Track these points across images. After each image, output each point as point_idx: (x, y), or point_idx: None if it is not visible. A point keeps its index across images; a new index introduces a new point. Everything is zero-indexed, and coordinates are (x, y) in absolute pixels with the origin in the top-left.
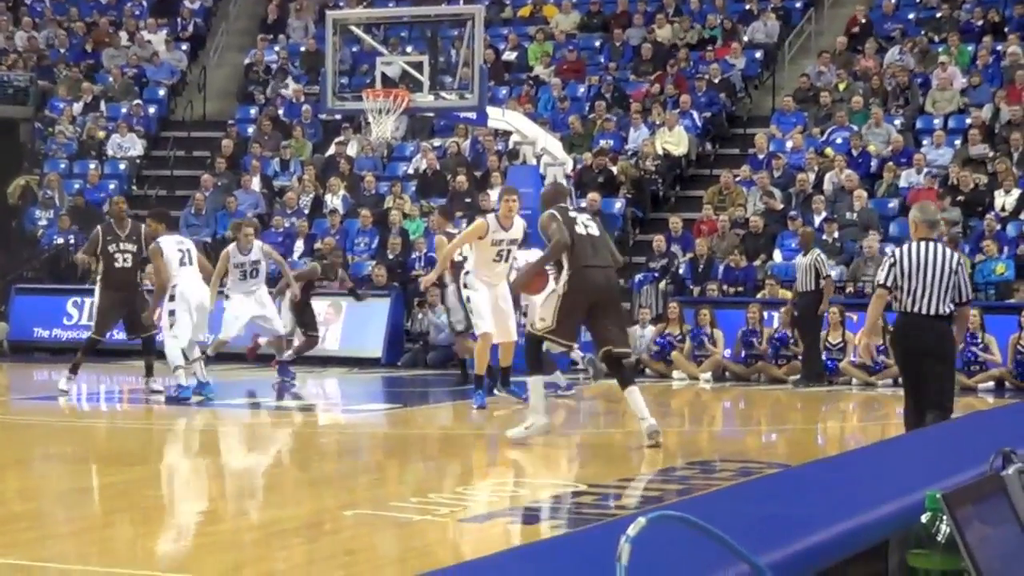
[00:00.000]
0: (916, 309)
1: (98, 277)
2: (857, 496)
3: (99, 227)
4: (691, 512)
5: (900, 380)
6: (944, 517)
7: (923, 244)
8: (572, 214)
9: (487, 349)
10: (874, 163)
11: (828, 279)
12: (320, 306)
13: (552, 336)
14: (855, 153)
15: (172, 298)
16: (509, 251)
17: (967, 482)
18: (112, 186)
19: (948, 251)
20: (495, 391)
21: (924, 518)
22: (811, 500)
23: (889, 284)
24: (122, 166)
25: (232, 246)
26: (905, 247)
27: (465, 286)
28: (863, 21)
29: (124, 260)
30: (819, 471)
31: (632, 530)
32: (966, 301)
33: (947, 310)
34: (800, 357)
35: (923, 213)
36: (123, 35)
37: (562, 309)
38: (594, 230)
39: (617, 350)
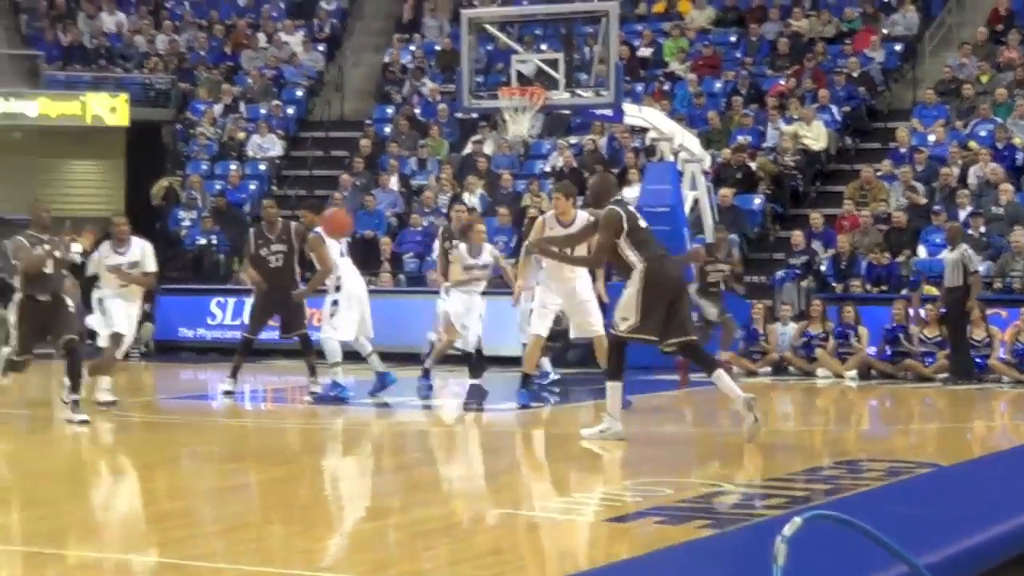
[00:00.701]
0: None
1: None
2: (1015, 496)
3: (250, 231)
4: (844, 512)
5: None
6: None
7: None
8: (631, 208)
9: (538, 349)
10: (1020, 156)
11: (976, 275)
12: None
13: (638, 335)
14: (1000, 146)
15: (337, 288)
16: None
17: None
18: (252, 187)
19: None
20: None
21: None
22: (968, 500)
23: None
24: (262, 167)
25: (462, 246)
26: None
27: (537, 283)
28: (1005, 12)
29: (276, 260)
30: (973, 471)
31: (788, 530)
32: None
33: None
34: (947, 355)
35: None
36: (261, 37)
37: (644, 304)
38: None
39: (681, 339)
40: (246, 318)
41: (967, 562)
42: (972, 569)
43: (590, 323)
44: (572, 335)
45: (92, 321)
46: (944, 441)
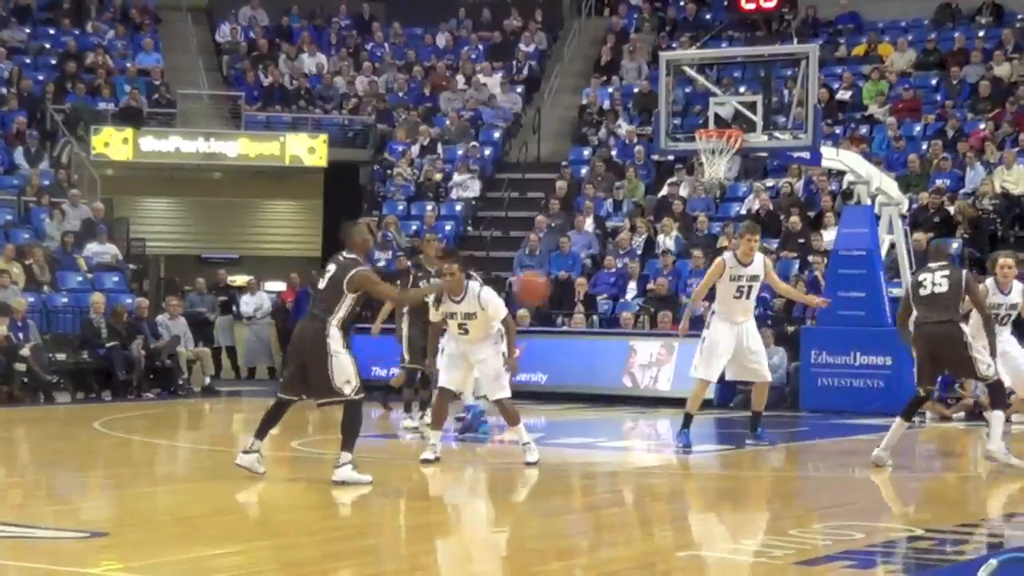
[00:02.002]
0: None
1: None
2: None
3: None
4: None
5: None
6: None
7: None
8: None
9: (703, 392)
10: None
11: None
12: (652, 346)
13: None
14: None
15: None
16: (750, 287)
17: None
18: (448, 227)
19: None
20: (747, 438)
21: None
22: None
23: None
24: (458, 207)
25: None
26: None
27: (707, 326)
28: None
29: None
30: None
31: (984, 572)
32: None
33: None
34: None
35: None
36: (460, 78)
37: None
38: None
39: None
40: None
41: None
42: None
43: (751, 368)
44: (732, 377)
45: None
46: None
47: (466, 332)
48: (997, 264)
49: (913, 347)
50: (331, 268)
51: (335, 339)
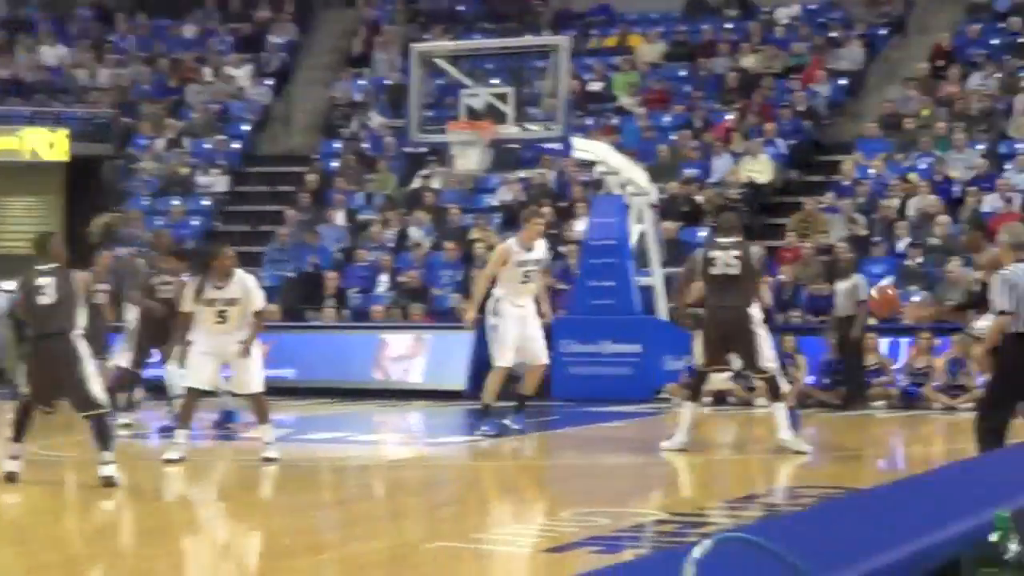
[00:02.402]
0: None
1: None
2: (926, 516)
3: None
4: (760, 535)
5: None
6: (1013, 536)
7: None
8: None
9: (501, 381)
10: (957, 188)
11: (863, 304)
12: (404, 339)
13: None
14: (938, 179)
15: None
16: (534, 271)
17: None
18: (196, 222)
19: None
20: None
21: (993, 537)
22: (880, 521)
23: (1011, 308)
24: (206, 202)
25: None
26: (1012, 269)
27: (494, 313)
28: (947, 47)
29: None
30: (889, 493)
31: (697, 552)
32: None
33: None
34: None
35: (1011, 236)
36: (207, 71)
37: None
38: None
39: None
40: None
41: None
42: None
43: (536, 351)
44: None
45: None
46: (876, 467)
47: (224, 320)
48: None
49: (701, 327)
50: (50, 282)
51: (84, 349)
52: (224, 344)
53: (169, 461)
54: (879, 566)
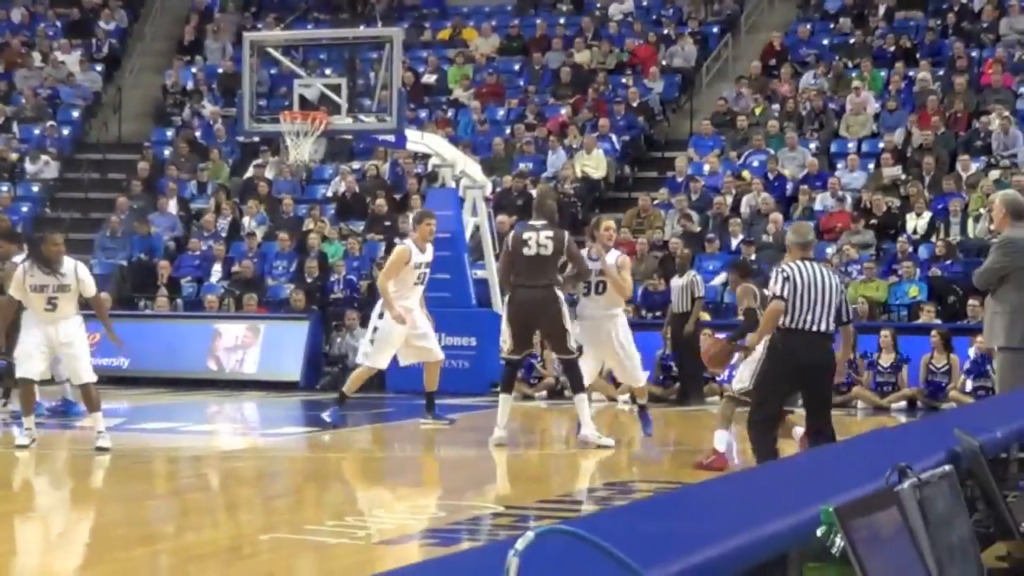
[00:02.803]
0: (808, 327)
1: None
2: (754, 511)
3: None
4: (585, 528)
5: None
6: (837, 531)
7: (808, 264)
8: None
9: (365, 378)
10: (790, 186)
11: (699, 300)
12: (237, 329)
13: None
14: (771, 176)
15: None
16: (426, 274)
17: (860, 497)
18: (25, 208)
19: (829, 271)
20: (421, 417)
21: (819, 532)
22: (707, 515)
23: (786, 296)
24: (35, 188)
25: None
26: (793, 264)
27: (380, 316)
28: (778, 47)
29: None
30: (718, 487)
31: (520, 544)
32: (848, 320)
33: (832, 328)
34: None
35: (797, 235)
36: (36, 56)
37: None
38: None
39: None
40: None
41: (704, 573)
42: None
43: (431, 348)
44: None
45: None
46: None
47: (54, 308)
48: (601, 227)
49: (505, 311)
50: None
51: None
52: (53, 332)
53: (20, 447)
54: (705, 560)
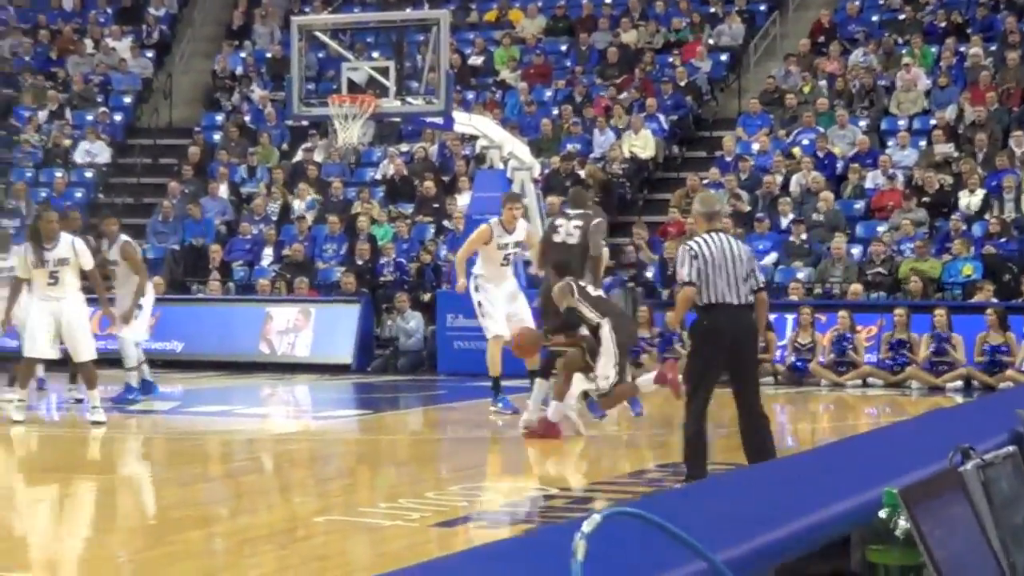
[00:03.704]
0: (726, 299)
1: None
2: (816, 492)
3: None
4: (649, 510)
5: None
6: (901, 513)
7: (715, 235)
8: None
9: (499, 351)
10: (840, 164)
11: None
12: (289, 312)
13: None
14: (821, 155)
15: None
16: (512, 255)
17: (925, 478)
18: (79, 194)
19: (737, 240)
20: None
21: (882, 514)
22: (769, 497)
23: (695, 279)
24: (88, 174)
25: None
26: (699, 239)
27: (476, 289)
28: (827, 24)
29: None
30: (779, 469)
31: (587, 527)
32: (762, 288)
33: (751, 299)
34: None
35: (703, 205)
36: (88, 43)
37: None
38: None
39: None
40: None
41: (768, 555)
42: (772, 562)
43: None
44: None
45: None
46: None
47: (56, 281)
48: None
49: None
50: None
51: None
52: (60, 309)
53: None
54: (769, 541)
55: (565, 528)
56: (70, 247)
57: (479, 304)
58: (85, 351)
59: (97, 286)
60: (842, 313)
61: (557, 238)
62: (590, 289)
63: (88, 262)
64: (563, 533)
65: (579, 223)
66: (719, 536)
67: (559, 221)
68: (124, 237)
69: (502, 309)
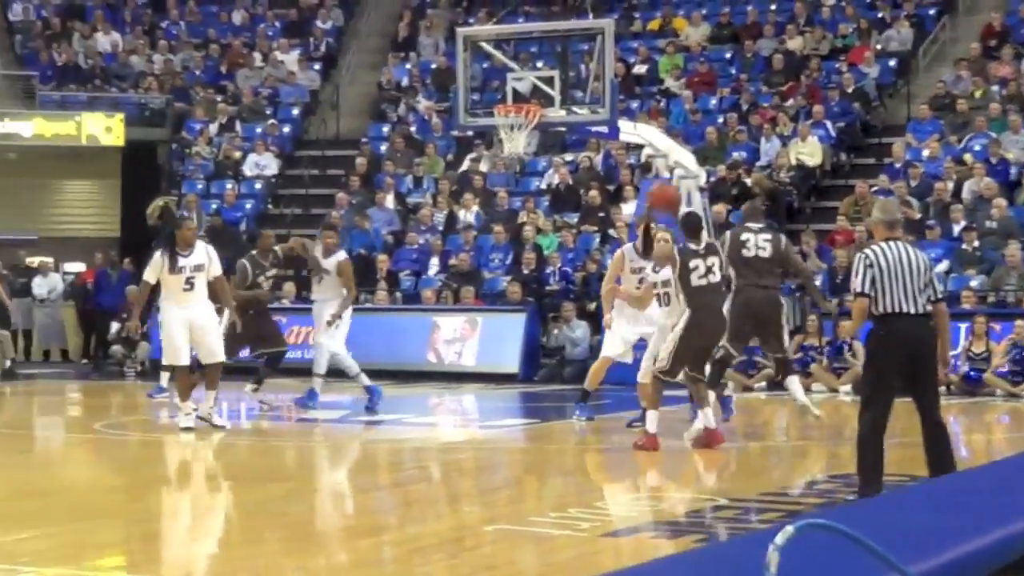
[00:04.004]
0: (903, 309)
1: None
2: (1008, 505)
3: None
4: (839, 522)
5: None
6: None
7: (893, 244)
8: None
9: (603, 369)
10: (1013, 171)
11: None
12: (456, 321)
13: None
14: (994, 161)
15: None
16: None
17: None
18: (248, 205)
19: (916, 249)
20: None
21: None
22: (960, 509)
23: (868, 290)
24: (258, 185)
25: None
26: (876, 248)
27: (612, 307)
28: (998, 27)
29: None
30: (966, 481)
31: (780, 539)
32: (941, 299)
33: (928, 309)
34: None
35: (884, 212)
36: (257, 56)
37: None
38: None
39: None
40: None
41: (962, 569)
42: None
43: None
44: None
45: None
46: None
47: (191, 287)
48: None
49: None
50: None
51: None
52: (193, 315)
53: (185, 429)
54: (960, 555)
55: (754, 539)
56: (205, 254)
57: (608, 320)
58: (217, 353)
59: (223, 293)
60: (1019, 322)
61: (747, 253)
62: (697, 277)
63: (217, 270)
64: (752, 544)
65: (768, 236)
66: (911, 548)
67: (745, 236)
68: (343, 252)
69: (625, 331)
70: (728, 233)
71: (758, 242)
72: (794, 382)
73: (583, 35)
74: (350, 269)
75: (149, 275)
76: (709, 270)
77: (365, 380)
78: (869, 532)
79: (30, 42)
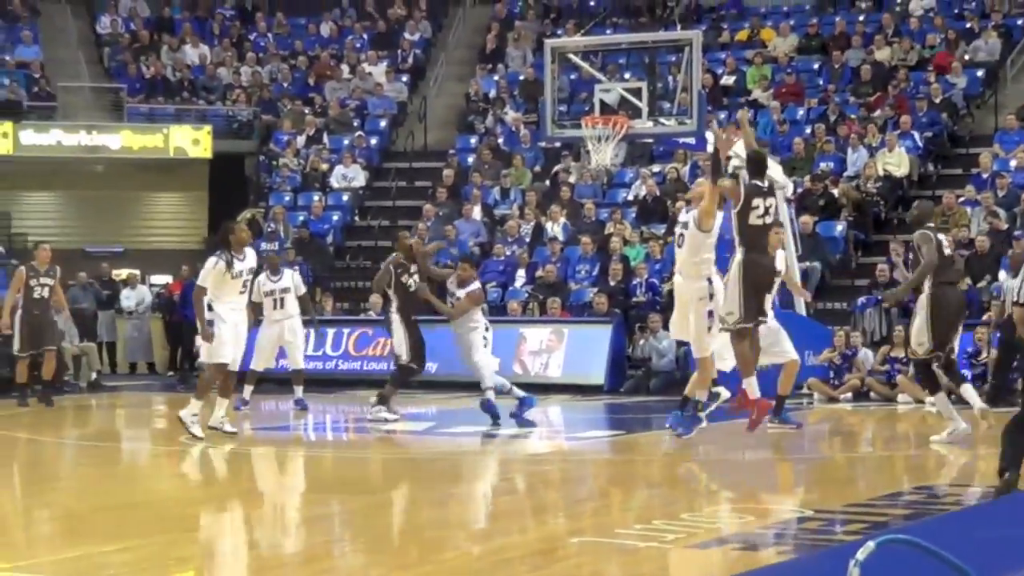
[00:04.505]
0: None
1: (394, 308)
2: None
3: (390, 261)
4: (920, 536)
5: None
6: None
7: None
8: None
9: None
10: None
11: None
12: (542, 333)
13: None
14: None
15: None
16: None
17: None
18: (335, 217)
19: None
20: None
21: None
22: None
23: None
24: (345, 197)
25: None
26: None
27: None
28: None
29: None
30: None
31: (861, 554)
32: None
33: None
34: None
35: None
36: (344, 68)
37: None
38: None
39: None
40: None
41: None
42: None
43: (785, 349)
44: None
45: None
46: None
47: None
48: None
49: (929, 310)
50: None
51: None
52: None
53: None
54: None
55: (836, 553)
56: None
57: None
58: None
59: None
60: None
61: (947, 251)
62: (756, 216)
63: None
64: (833, 558)
65: (950, 238)
66: (994, 563)
67: (939, 236)
68: (476, 284)
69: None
70: (927, 232)
71: (947, 241)
72: (968, 390)
73: (671, 46)
74: (481, 298)
75: (206, 281)
76: (767, 211)
77: (519, 392)
78: (952, 546)
79: (118, 55)
